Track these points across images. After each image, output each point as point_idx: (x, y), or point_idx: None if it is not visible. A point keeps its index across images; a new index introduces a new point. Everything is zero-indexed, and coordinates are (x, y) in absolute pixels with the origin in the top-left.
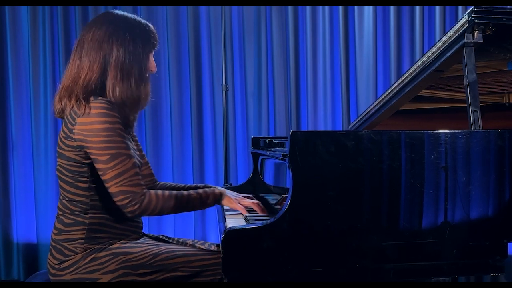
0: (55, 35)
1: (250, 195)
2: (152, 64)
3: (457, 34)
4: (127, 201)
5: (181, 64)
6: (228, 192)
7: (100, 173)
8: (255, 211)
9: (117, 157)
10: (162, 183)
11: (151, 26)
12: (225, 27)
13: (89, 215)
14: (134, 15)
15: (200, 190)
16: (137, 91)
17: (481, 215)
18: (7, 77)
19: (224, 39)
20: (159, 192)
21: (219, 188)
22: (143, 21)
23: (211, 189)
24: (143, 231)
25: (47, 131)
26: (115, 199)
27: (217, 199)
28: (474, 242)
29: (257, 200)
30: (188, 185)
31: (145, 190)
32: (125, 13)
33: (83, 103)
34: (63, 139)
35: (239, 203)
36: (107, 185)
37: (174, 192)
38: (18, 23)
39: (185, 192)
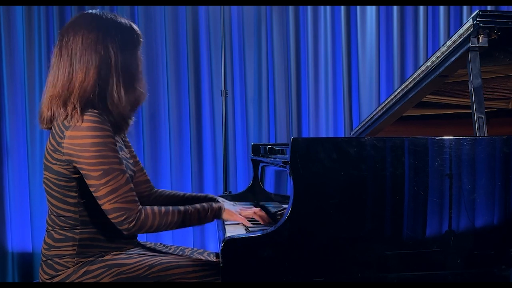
0: (50, 38)
1: (249, 204)
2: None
3: (462, 38)
4: (122, 218)
5: (180, 68)
6: (227, 205)
7: (92, 189)
8: (255, 219)
9: (110, 173)
10: (160, 190)
11: (134, 24)
12: (225, 31)
13: (79, 230)
14: (115, 14)
15: (198, 206)
16: (138, 90)
17: (486, 223)
18: (1, 82)
19: (224, 43)
20: (156, 208)
21: (218, 201)
22: (127, 20)
23: (208, 204)
24: (139, 239)
25: (42, 138)
26: (110, 217)
27: (216, 214)
28: (479, 251)
29: (257, 207)
30: (188, 194)
31: (141, 206)
32: (108, 13)
33: (78, 113)
34: (50, 152)
35: (241, 214)
36: (100, 202)
37: (171, 208)
38: (13, 25)
39: (182, 208)
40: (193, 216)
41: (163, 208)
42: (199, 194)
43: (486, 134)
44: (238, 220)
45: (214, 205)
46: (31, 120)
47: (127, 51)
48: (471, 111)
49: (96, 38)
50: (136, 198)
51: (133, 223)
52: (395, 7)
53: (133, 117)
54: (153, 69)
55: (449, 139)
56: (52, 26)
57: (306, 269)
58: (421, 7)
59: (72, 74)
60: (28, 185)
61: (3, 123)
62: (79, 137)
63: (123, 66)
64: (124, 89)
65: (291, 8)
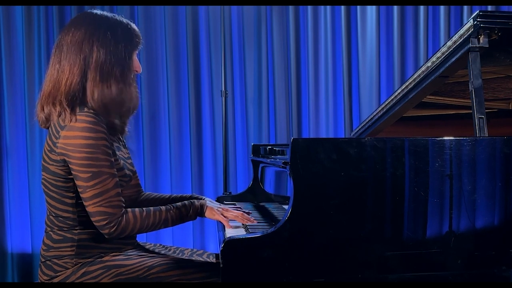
0: (50, 38)
1: (250, 205)
2: (137, 64)
3: (462, 38)
4: (104, 222)
5: (180, 69)
6: (209, 203)
7: (79, 190)
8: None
9: (98, 176)
10: (146, 193)
11: (133, 25)
12: (225, 31)
13: (78, 231)
14: (115, 14)
15: (179, 204)
16: (120, 93)
17: (486, 224)
18: (1, 82)
19: (224, 43)
20: (137, 211)
21: (201, 199)
22: (124, 20)
23: (189, 202)
24: (139, 240)
25: (42, 138)
26: (93, 219)
27: (198, 212)
28: (479, 252)
29: (257, 208)
30: (173, 195)
31: (124, 210)
32: (105, 13)
33: (68, 112)
34: (47, 153)
35: (222, 215)
36: (85, 203)
37: (152, 209)
38: (12, 25)
39: (163, 208)
40: (174, 216)
41: (144, 210)
42: (184, 195)
43: (486, 134)
44: (219, 220)
45: (196, 202)
46: (30, 120)
47: (117, 50)
48: (471, 111)
49: (82, 36)
50: (121, 203)
51: (114, 228)
52: (395, 7)
53: (118, 118)
54: (153, 70)
55: (449, 139)
56: (52, 26)
57: (306, 270)
58: (421, 7)
59: (60, 71)
60: (27, 185)
61: (3, 123)
62: (72, 137)
63: (105, 65)
64: (98, 89)
65: (291, 8)
